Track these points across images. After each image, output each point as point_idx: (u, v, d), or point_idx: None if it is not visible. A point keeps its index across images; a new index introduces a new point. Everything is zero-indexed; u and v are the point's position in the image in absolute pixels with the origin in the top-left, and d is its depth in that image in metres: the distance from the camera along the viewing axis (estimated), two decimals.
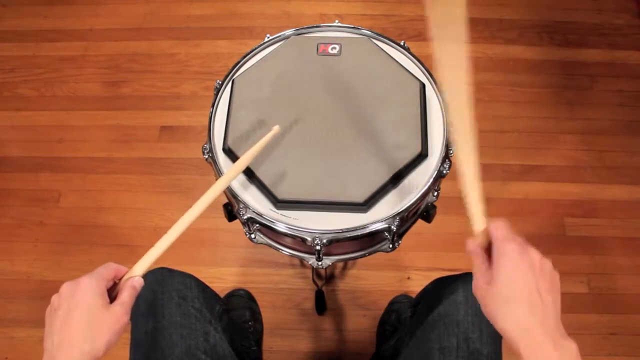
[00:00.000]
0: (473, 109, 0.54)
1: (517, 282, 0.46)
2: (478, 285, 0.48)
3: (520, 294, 0.45)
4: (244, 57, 0.81)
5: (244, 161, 0.64)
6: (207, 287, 0.78)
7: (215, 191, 0.60)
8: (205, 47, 1.54)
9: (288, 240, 0.74)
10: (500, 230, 0.49)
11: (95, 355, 0.48)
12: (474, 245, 0.51)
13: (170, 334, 0.68)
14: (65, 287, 0.51)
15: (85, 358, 0.47)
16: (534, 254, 0.47)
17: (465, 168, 0.52)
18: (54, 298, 0.51)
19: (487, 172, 1.33)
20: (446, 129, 0.73)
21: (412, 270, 1.23)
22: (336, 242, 0.68)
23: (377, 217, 0.67)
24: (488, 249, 0.50)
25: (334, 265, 1.17)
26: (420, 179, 0.69)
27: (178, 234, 0.57)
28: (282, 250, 0.76)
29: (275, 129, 0.68)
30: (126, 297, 0.51)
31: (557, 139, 1.38)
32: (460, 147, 0.53)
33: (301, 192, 0.67)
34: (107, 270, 0.53)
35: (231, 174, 0.63)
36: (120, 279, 0.54)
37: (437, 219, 0.78)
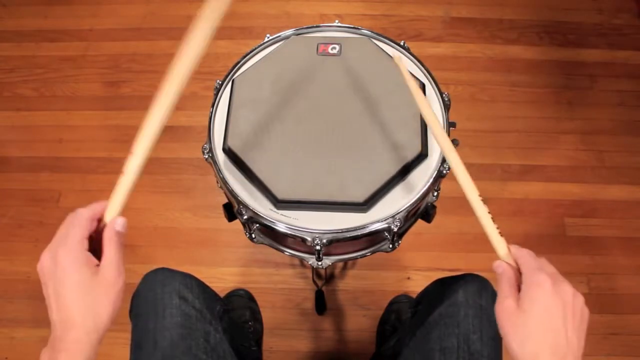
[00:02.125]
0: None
1: (547, 319, 0.45)
2: (503, 308, 0.47)
3: (547, 332, 0.44)
4: (244, 57, 0.81)
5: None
6: (207, 287, 0.78)
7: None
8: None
9: (288, 240, 0.74)
10: (531, 258, 0.49)
11: (101, 329, 0.45)
12: (503, 267, 0.50)
13: (171, 334, 0.68)
14: (45, 261, 0.46)
15: (92, 336, 0.45)
16: (567, 289, 0.46)
17: (470, 195, 0.53)
18: (38, 269, 0.46)
19: (487, 172, 1.33)
20: (446, 129, 0.73)
21: (412, 270, 1.23)
22: (336, 242, 0.68)
23: (377, 217, 0.67)
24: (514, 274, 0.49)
25: (334, 265, 1.17)
26: (420, 179, 0.69)
27: (145, 153, 0.53)
28: (282, 250, 0.76)
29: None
30: (112, 251, 0.46)
31: (557, 139, 1.38)
32: (456, 171, 0.53)
33: (301, 192, 0.67)
34: (82, 225, 0.46)
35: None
36: (99, 221, 0.48)
37: (437, 219, 0.78)
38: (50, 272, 0.45)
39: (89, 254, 0.46)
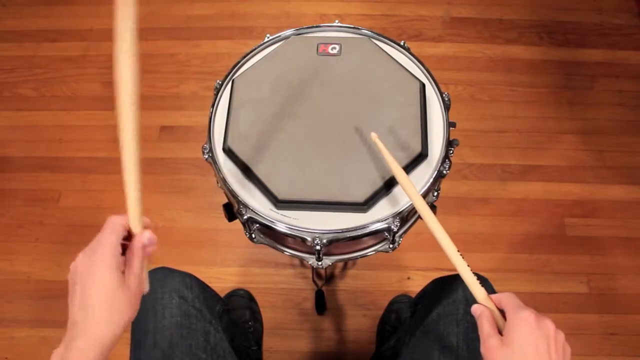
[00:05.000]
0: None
1: (532, 352, 0.46)
2: (488, 346, 0.48)
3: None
4: (244, 57, 0.81)
5: None
6: (207, 287, 0.78)
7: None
8: (205, 47, 1.54)
9: (288, 240, 0.74)
10: (512, 299, 0.51)
11: (116, 335, 0.46)
12: (481, 309, 0.52)
13: (171, 334, 0.68)
14: (81, 262, 0.47)
15: (106, 340, 0.45)
16: (549, 325, 0.48)
17: (448, 250, 0.58)
18: (72, 268, 0.48)
19: (487, 172, 1.33)
20: (446, 129, 0.73)
21: (412, 270, 1.23)
22: (336, 242, 0.68)
23: (377, 217, 0.67)
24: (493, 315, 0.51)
25: (334, 265, 1.17)
26: (420, 179, 0.69)
27: (136, 164, 0.55)
28: (282, 250, 0.76)
29: None
30: (138, 265, 0.48)
31: (557, 139, 1.38)
32: None
33: (301, 192, 0.67)
34: (115, 230, 0.49)
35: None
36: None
37: (437, 219, 0.78)
38: (83, 271, 0.47)
39: (120, 260, 0.48)
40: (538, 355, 0.46)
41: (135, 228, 0.50)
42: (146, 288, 0.51)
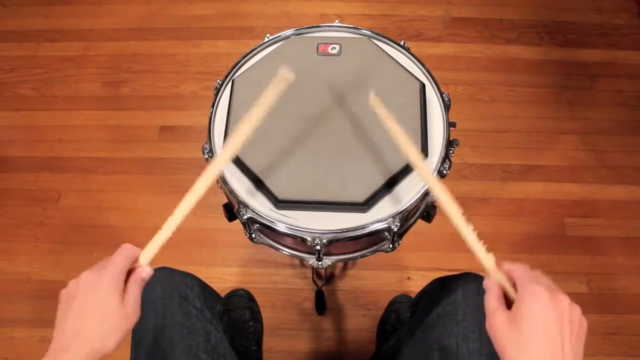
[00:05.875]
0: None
1: (543, 331, 0.43)
2: (494, 324, 0.45)
3: (543, 344, 0.43)
4: (244, 57, 0.81)
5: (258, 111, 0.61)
6: (208, 286, 0.78)
7: (222, 159, 0.59)
8: (205, 47, 1.54)
9: (288, 240, 0.74)
10: (525, 270, 0.47)
11: (105, 353, 0.47)
12: (492, 281, 0.48)
13: (171, 334, 0.68)
14: (86, 277, 0.49)
15: (95, 356, 0.47)
16: (564, 300, 0.44)
17: (452, 214, 0.53)
18: (72, 283, 0.49)
19: (487, 172, 1.33)
20: (446, 129, 0.73)
21: (412, 270, 1.23)
22: (336, 242, 0.68)
23: (377, 217, 0.67)
24: (503, 290, 0.48)
25: (334, 265, 1.17)
26: (420, 179, 0.69)
27: (183, 216, 0.56)
28: (282, 250, 0.76)
29: (286, 75, 0.63)
30: (136, 292, 0.50)
31: (557, 139, 1.38)
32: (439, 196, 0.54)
33: (301, 192, 0.67)
34: (127, 257, 0.51)
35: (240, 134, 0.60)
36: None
37: (437, 219, 0.78)
38: (87, 286, 0.49)
39: (123, 285, 0.50)
40: (549, 339, 0.42)
41: (145, 260, 0.53)
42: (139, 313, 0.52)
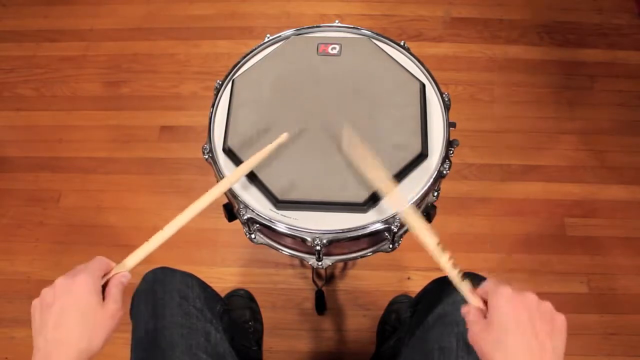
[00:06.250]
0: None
1: (514, 325, 0.44)
2: (474, 331, 0.47)
3: (517, 337, 0.44)
4: (244, 57, 0.81)
5: (246, 166, 0.65)
6: (208, 286, 0.78)
7: (214, 194, 0.60)
8: (205, 47, 1.54)
9: (288, 241, 0.74)
10: (491, 281, 0.49)
11: (92, 352, 0.48)
12: (465, 309, 0.50)
13: (171, 334, 0.68)
14: (61, 283, 0.50)
15: (83, 356, 0.47)
16: (530, 297, 0.46)
17: (426, 242, 0.54)
18: (46, 292, 0.50)
19: (487, 172, 1.33)
20: (446, 129, 0.73)
21: (412, 270, 1.23)
22: (336, 242, 0.68)
23: (377, 217, 0.67)
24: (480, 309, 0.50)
25: (334, 265, 1.17)
26: (420, 179, 0.69)
27: (173, 232, 0.57)
28: (282, 250, 0.76)
29: (283, 137, 0.68)
30: (117, 293, 0.51)
31: (557, 139, 1.38)
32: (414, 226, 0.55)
33: (301, 192, 0.67)
34: (101, 265, 0.52)
35: (233, 178, 0.64)
36: (108, 272, 0.53)
37: (437, 219, 0.78)
38: (63, 291, 0.49)
39: (101, 288, 0.51)
40: (518, 326, 0.44)
41: (127, 266, 0.54)
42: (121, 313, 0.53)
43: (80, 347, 0.47)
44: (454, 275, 0.52)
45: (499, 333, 0.45)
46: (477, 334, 0.47)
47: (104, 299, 0.51)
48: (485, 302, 0.49)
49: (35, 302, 0.50)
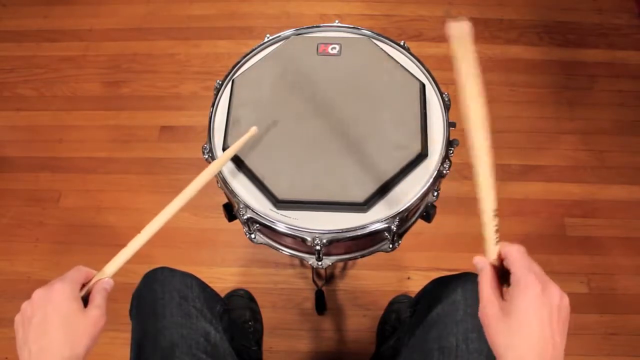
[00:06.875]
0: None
1: (535, 326, 0.43)
2: (487, 314, 0.45)
3: (533, 338, 0.43)
4: (244, 57, 0.81)
5: (217, 164, 0.65)
6: (207, 287, 0.78)
7: (184, 198, 0.61)
8: (205, 47, 1.54)
9: (288, 240, 0.74)
10: (521, 256, 0.47)
11: (75, 358, 0.48)
12: (485, 262, 0.49)
13: (171, 334, 0.68)
14: (38, 294, 0.50)
15: None
16: (555, 292, 0.45)
17: (482, 178, 0.53)
18: (25, 306, 0.51)
19: None
20: (446, 129, 0.73)
21: (412, 270, 1.23)
22: (336, 242, 0.68)
23: (377, 217, 0.67)
24: (497, 272, 0.48)
25: (334, 265, 1.17)
26: (420, 179, 0.69)
27: (149, 236, 0.58)
28: (282, 250, 0.76)
29: (252, 130, 0.69)
30: (100, 299, 0.51)
31: (557, 139, 1.38)
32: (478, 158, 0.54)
33: (301, 192, 0.67)
34: (79, 274, 0.52)
35: (204, 177, 0.64)
36: (88, 281, 0.53)
37: (437, 219, 0.78)
38: (42, 302, 0.50)
39: (79, 296, 0.51)
40: (540, 328, 0.43)
41: (103, 275, 0.54)
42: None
43: (64, 354, 0.47)
44: (491, 232, 0.50)
45: (517, 331, 0.43)
46: (492, 319, 0.45)
47: (86, 306, 0.50)
48: (502, 261, 0.47)
49: (17, 318, 0.51)
